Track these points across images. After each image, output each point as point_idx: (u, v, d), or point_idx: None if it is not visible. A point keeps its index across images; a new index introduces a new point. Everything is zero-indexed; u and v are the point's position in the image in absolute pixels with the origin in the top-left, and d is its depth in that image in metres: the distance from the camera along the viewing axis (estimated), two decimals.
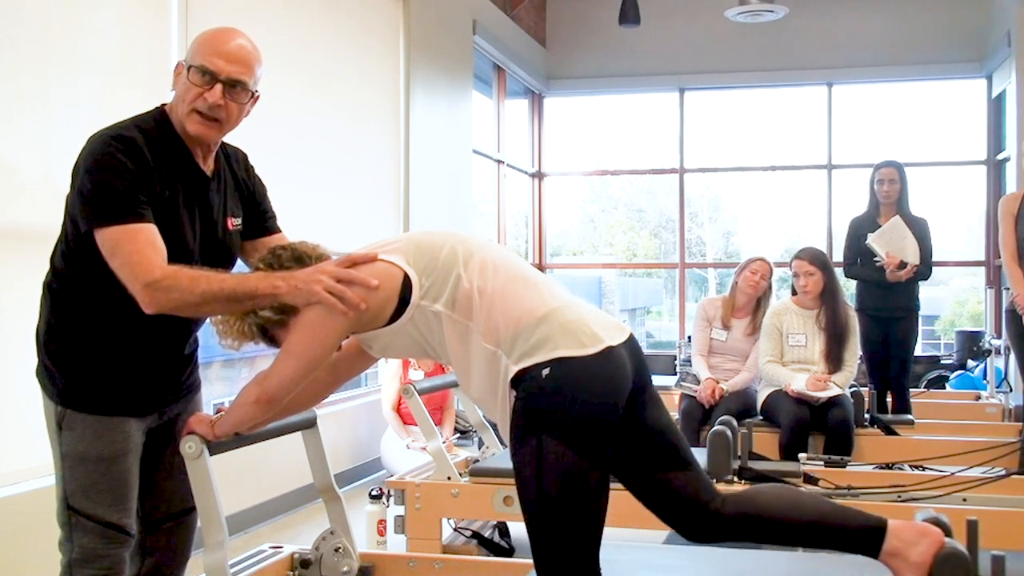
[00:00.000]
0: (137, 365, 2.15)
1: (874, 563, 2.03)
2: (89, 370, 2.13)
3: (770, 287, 5.07)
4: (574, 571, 1.91)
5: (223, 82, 2.08)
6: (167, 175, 2.09)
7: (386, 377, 5.53)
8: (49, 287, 2.17)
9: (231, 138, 2.35)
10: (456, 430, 5.69)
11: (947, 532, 2.05)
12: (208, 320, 2.18)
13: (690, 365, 5.16)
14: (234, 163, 2.31)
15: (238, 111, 2.14)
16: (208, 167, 2.20)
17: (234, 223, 2.27)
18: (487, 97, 8.37)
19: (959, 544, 2.02)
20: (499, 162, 8.46)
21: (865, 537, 2.03)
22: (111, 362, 2.12)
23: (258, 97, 2.19)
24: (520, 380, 1.91)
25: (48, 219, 2.14)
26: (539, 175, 9.64)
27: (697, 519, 2.08)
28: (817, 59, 8.89)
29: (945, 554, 1.98)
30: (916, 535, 2.01)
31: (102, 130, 2.09)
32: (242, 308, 2.03)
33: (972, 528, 2.09)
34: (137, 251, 1.98)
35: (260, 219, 2.35)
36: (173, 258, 2.05)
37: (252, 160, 2.40)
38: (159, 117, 2.15)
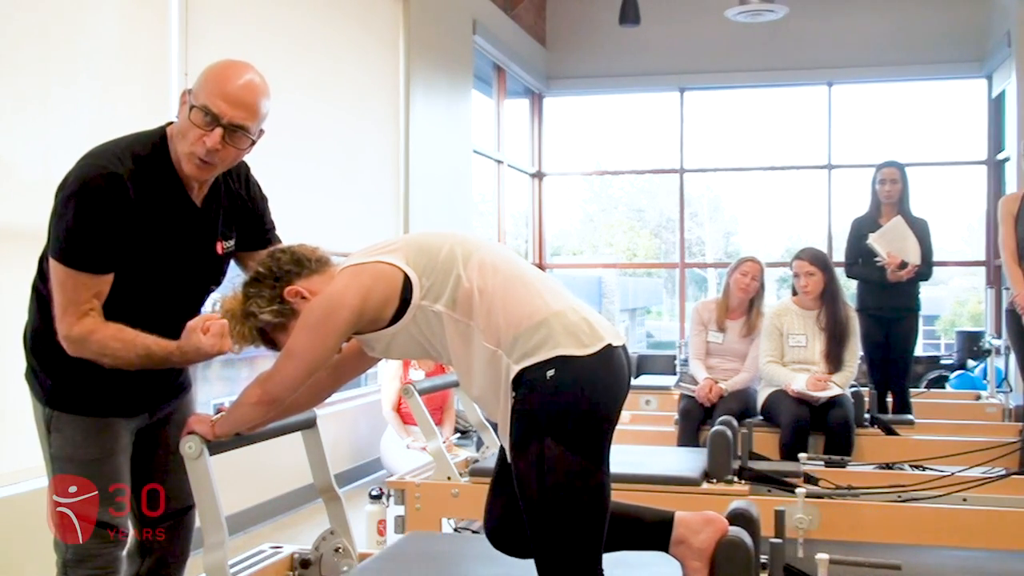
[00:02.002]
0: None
1: None
2: (75, 372, 2.12)
3: (762, 286, 5.04)
4: (577, 572, 1.91)
5: (224, 126, 2.04)
6: (153, 208, 2.07)
7: (386, 377, 5.53)
8: (36, 290, 2.17)
9: None
10: (456, 430, 5.69)
11: (753, 523, 2.12)
12: None
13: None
14: (232, 180, 2.27)
15: (235, 156, 2.12)
16: (200, 196, 2.18)
17: (224, 246, 2.25)
18: (487, 97, 8.37)
19: (743, 532, 2.08)
20: (499, 162, 8.46)
21: (655, 532, 2.08)
22: (97, 364, 2.11)
23: (260, 138, 2.15)
24: (521, 380, 1.91)
25: (47, 219, 2.14)
26: (539, 175, 9.64)
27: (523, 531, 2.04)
28: (817, 59, 8.89)
29: (727, 541, 2.05)
30: (701, 523, 2.07)
31: (96, 155, 2.06)
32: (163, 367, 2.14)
33: (778, 518, 2.20)
34: (73, 300, 2.01)
35: (259, 232, 2.34)
36: (152, 286, 2.07)
37: (251, 161, 2.39)
38: (158, 142, 2.11)
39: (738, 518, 2.14)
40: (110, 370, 2.11)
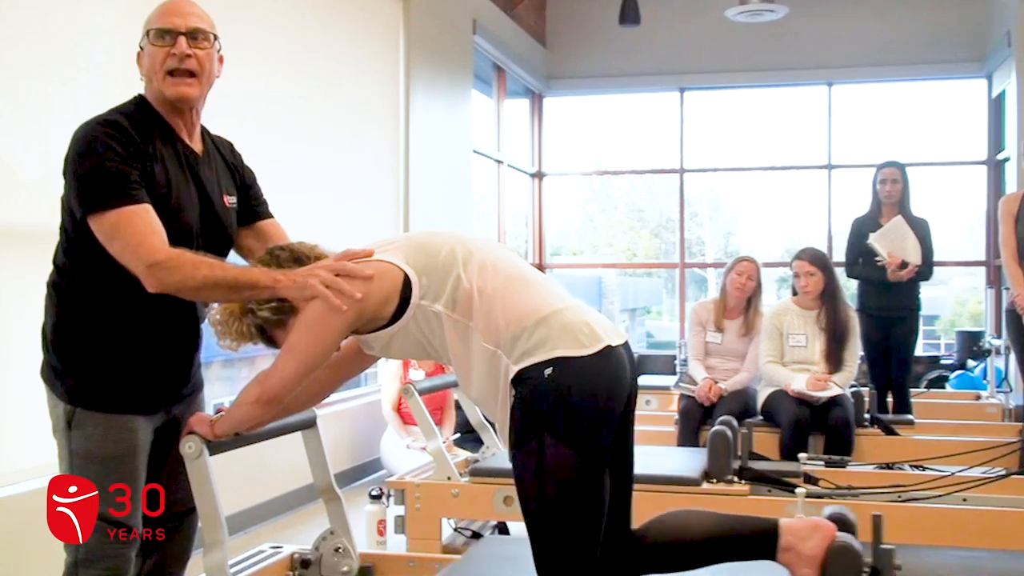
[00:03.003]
0: (145, 359, 2.16)
1: None
2: (98, 367, 2.13)
3: (759, 285, 5.05)
4: (574, 571, 1.91)
5: (184, 34, 2.12)
6: (156, 152, 2.11)
7: (386, 377, 5.52)
8: (54, 286, 2.17)
9: (225, 134, 2.35)
10: (460, 430, 5.66)
11: (851, 527, 2.09)
12: (207, 320, 2.18)
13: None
14: (221, 148, 2.33)
15: (208, 61, 2.16)
16: (196, 144, 2.22)
17: (230, 201, 2.28)
18: (487, 97, 8.37)
19: (851, 537, 2.05)
20: (499, 162, 8.46)
21: (761, 541, 2.04)
22: (119, 358, 2.12)
23: (223, 57, 2.22)
24: (520, 380, 1.91)
25: (48, 219, 2.15)
26: (539, 175, 9.64)
27: (621, 548, 2.05)
28: (817, 59, 8.89)
29: (836, 547, 2.01)
30: (809, 530, 2.03)
31: (85, 121, 2.11)
32: (240, 298, 2.05)
33: (876, 523, 2.14)
34: (137, 233, 1.99)
35: (251, 203, 2.36)
36: (174, 236, 2.05)
37: (252, 161, 2.40)
38: (139, 101, 2.18)
39: (838, 523, 2.09)
40: (131, 363, 2.12)
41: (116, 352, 2.13)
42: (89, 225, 2.02)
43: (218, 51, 2.21)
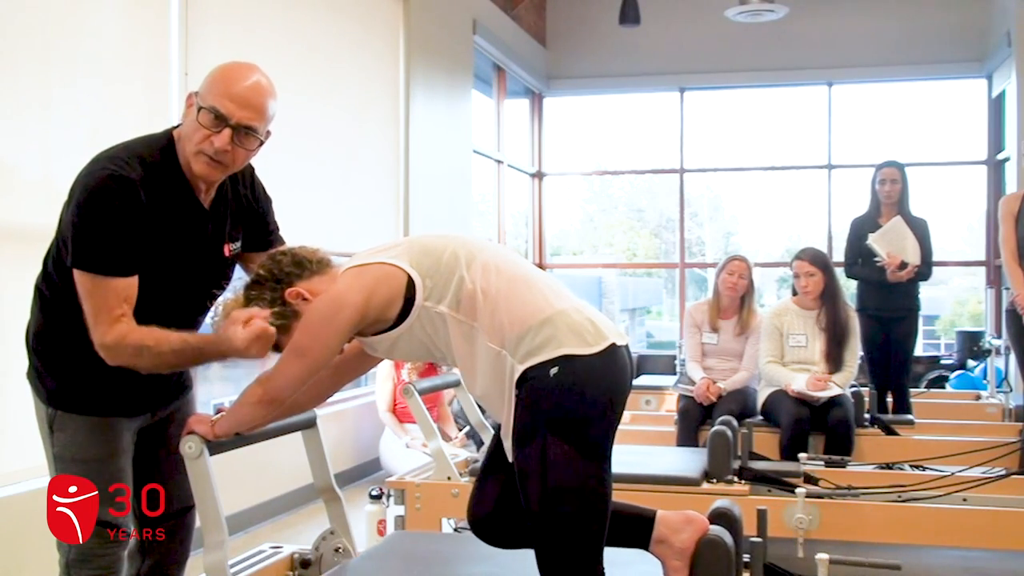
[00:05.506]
0: (124, 370, 2.15)
1: None
2: (78, 372, 2.13)
3: (751, 284, 5.04)
4: (578, 571, 1.91)
5: (232, 127, 2.04)
6: (163, 212, 2.07)
7: (379, 378, 5.51)
8: (39, 290, 2.17)
9: None
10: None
11: (735, 522, 2.12)
12: (212, 325, 2.17)
13: None
14: (239, 182, 2.28)
15: (244, 157, 2.12)
16: (208, 199, 2.18)
17: (231, 249, 2.25)
18: (487, 97, 8.37)
19: (723, 531, 2.08)
20: (499, 162, 8.46)
21: (636, 528, 2.08)
22: (100, 364, 2.11)
23: (267, 139, 2.15)
24: (525, 379, 1.91)
25: (48, 219, 2.14)
26: (539, 175, 9.64)
27: (515, 520, 2.04)
28: (817, 59, 8.89)
29: (707, 540, 2.05)
30: (682, 523, 2.07)
31: (105, 158, 2.04)
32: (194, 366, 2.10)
33: (761, 516, 2.20)
34: (103, 306, 1.99)
35: (264, 233, 2.34)
36: (163, 287, 2.06)
37: (252, 160, 2.39)
38: (165, 145, 2.11)
39: (720, 517, 2.14)
40: (113, 369, 2.11)
41: (96, 358, 2.10)
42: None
43: (262, 140, 2.13)
